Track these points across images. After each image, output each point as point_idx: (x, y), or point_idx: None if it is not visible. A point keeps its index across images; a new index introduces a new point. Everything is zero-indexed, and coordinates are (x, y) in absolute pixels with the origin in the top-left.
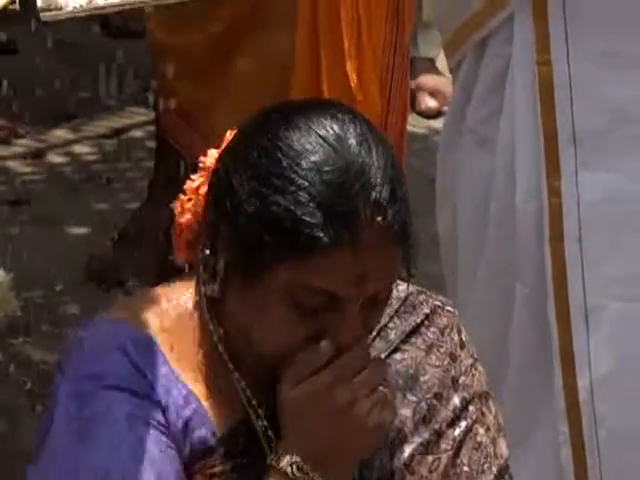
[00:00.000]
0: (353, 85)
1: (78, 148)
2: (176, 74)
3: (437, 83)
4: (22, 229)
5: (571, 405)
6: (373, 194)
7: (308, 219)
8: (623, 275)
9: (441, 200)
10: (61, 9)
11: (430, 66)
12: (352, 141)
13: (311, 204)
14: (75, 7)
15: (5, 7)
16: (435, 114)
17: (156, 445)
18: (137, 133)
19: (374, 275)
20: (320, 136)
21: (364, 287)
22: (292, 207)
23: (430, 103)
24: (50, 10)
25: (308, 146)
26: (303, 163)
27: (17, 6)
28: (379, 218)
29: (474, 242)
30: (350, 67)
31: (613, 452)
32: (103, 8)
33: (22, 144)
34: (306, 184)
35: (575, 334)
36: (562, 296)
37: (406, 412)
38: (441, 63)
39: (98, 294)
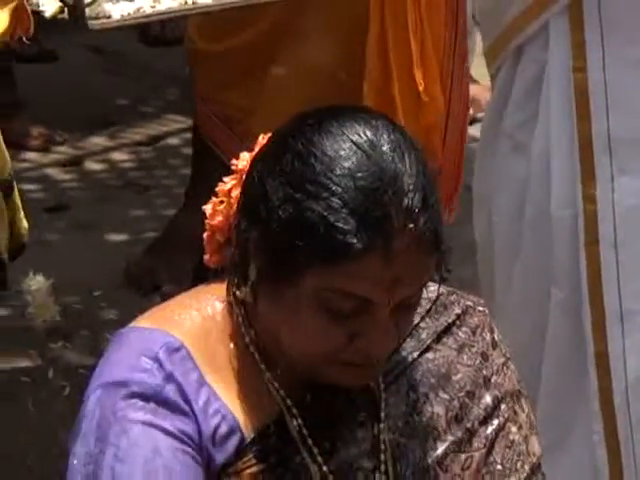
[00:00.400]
0: (421, 89)
1: (116, 155)
2: (215, 80)
3: (472, 91)
4: (60, 235)
5: (606, 407)
6: (405, 201)
7: (341, 225)
8: None
9: (478, 205)
10: (110, 17)
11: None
12: (385, 148)
13: (344, 210)
14: (123, 15)
15: (55, 16)
16: (470, 121)
17: (173, 455)
18: (174, 140)
19: (405, 280)
20: (353, 142)
21: (395, 292)
22: (325, 213)
23: None
24: (98, 19)
25: (342, 152)
26: (337, 169)
27: (66, 15)
28: (411, 225)
29: (510, 247)
30: (417, 71)
31: None
32: (149, 16)
33: (60, 151)
34: (339, 190)
35: (610, 338)
36: (597, 301)
37: (439, 410)
38: (475, 71)
39: (135, 299)
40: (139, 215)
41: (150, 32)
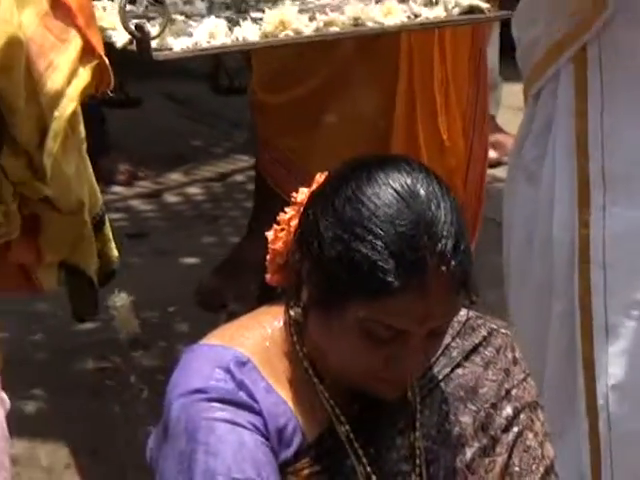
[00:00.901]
0: (444, 137)
1: (190, 189)
2: (274, 127)
3: (498, 137)
4: (141, 259)
5: (590, 406)
6: (439, 246)
7: (382, 265)
8: None
9: (504, 231)
10: (171, 49)
11: (492, 123)
12: (423, 197)
13: (385, 252)
14: (182, 48)
15: (125, 47)
16: (495, 163)
17: (256, 446)
18: (239, 177)
19: (437, 314)
20: (396, 191)
21: (427, 324)
22: (369, 254)
23: (491, 154)
24: (162, 51)
25: (385, 200)
26: (380, 215)
27: (134, 46)
28: (443, 268)
29: (522, 266)
30: (441, 121)
31: (623, 451)
32: (205, 50)
33: (142, 185)
34: (382, 234)
35: (596, 345)
36: (586, 313)
37: (467, 419)
38: (500, 119)
39: (204, 315)
40: (209, 242)
41: (220, 83)
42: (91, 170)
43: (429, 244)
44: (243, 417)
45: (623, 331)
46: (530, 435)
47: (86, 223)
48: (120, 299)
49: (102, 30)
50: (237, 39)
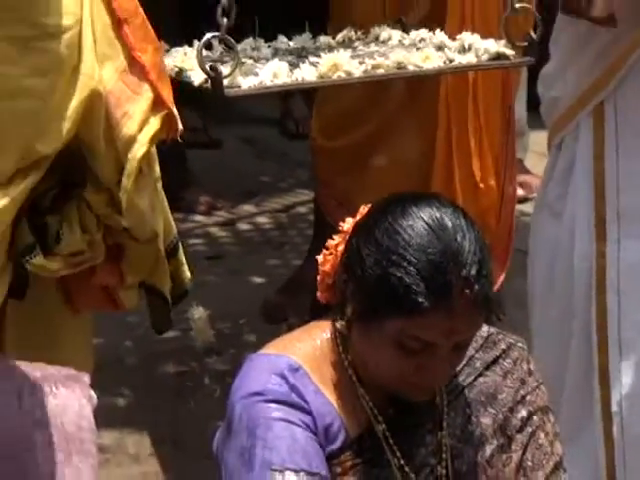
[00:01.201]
0: (478, 179)
1: (260, 219)
2: (330, 168)
3: (525, 178)
4: (217, 278)
5: (605, 412)
6: (464, 272)
7: (415, 288)
8: None
9: (531, 260)
10: (240, 87)
11: (520, 165)
12: (450, 230)
13: (417, 277)
14: (249, 86)
15: (201, 85)
16: (523, 200)
17: (307, 441)
18: (302, 209)
19: (461, 330)
20: (427, 223)
21: (452, 338)
22: (404, 278)
23: (519, 192)
24: (232, 88)
25: (417, 231)
26: (413, 244)
27: (209, 85)
28: (467, 291)
29: (545, 290)
30: (475, 164)
31: (637, 454)
32: (269, 88)
33: (219, 215)
34: (415, 261)
35: (611, 359)
36: (603, 331)
37: (487, 421)
38: (527, 163)
39: (269, 327)
40: (274, 264)
41: (288, 128)
42: (166, 203)
43: (455, 270)
44: (295, 416)
45: (634, 346)
46: (542, 435)
47: (160, 250)
48: (198, 312)
49: (183, 71)
50: (296, 79)
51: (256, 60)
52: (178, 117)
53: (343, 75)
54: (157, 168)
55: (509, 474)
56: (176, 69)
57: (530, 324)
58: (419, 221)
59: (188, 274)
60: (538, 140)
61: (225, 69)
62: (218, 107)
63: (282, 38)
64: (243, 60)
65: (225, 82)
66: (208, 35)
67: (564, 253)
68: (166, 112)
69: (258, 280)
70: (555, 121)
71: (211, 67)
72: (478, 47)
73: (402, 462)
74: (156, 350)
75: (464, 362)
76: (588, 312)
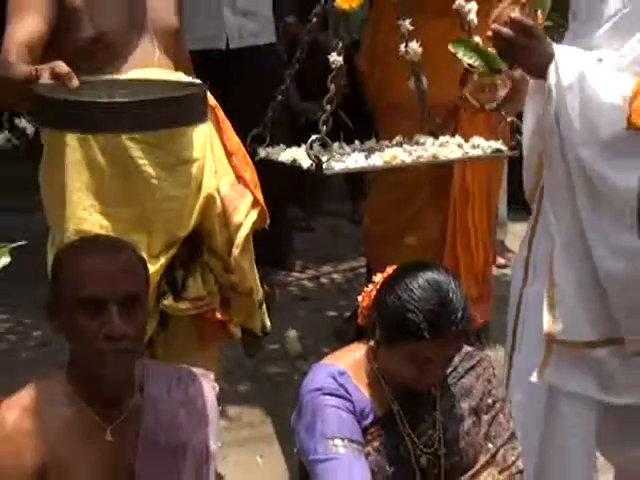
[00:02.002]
0: (473, 251)
1: (334, 275)
2: (376, 243)
3: (506, 253)
4: (305, 312)
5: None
6: (452, 317)
7: (421, 327)
8: None
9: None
10: (334, 169)
11: (502, 245)
12: (445, 289)
13: (423, 320)
14: (341, 168)
15: (309, 169)
16: (503, 266)
17: (349, 420)
18: (362, 270)
19: (449, 351)
20: (429, 283)
21: (444, 356)
22: (414, 319)
23: (501, 260)
24: (329, 169)
25: (423, 289)
26: (421, 297)
27: (314, 167)
28: (454, 328)
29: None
30: (471, 242)
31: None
32: (351, 169)
33: (309, 273)
34: (420, 308)
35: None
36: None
37: (465, 406)
38: (508, 243)
39: (337, 344)
40: (342, 304)
41: (355, 219)
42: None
43: (447, 315)
44: (341, 403)
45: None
46: (501, 416)
47: (254, 302)
48: (292, 333)
49: (296, 160)
50: (369, 164)
51: (341, 155)
52: (267, 214)
53: (399, 162)
54: (251, 245)
55: (479, 441)
56: (291, 159)
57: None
58: (424, 281)
59: (268, 322)
60: (514, 229)
61: (324, 158)
62: (314, 205)
63: (357, 142)
64: (334, 153)
65: (324, 166)
66: (313, 137)
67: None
68: (260, 208)
69: (331, 314)
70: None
71: (315, 156)
72: (483, 145)
73: (409, 432)
74: (264, 357)
75: (452, 369)
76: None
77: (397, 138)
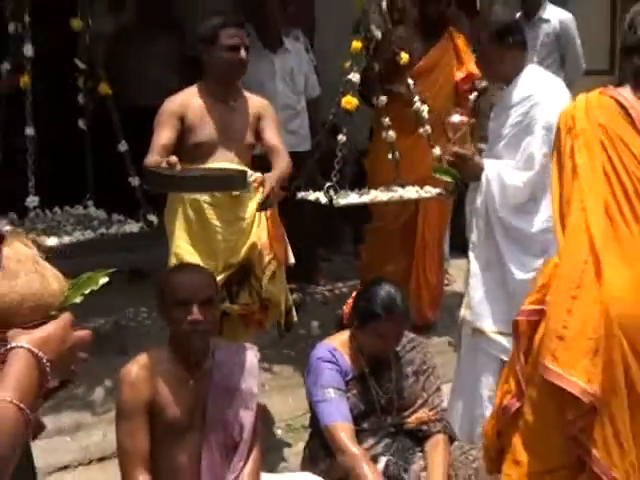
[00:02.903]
0: (429, 276)
1: (343, 289)
2: (368, 271)
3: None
4: (324, 311)
5: None
6: (397, 306)
7: (378, 311)
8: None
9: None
10: (339, 203)
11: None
12: (393, 290)
13: (379, 307)
14: (345, 202)
15: (325, 203)
16: (446, 285)
17: (338, 376)
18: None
19: (398, 328)
20: (386, 291)
21: (395, 331)
22: (374, 308)
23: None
24: (337, 203)
25: (382, 294)
26: (377, 295)
27: (327, 201)
28: (398, 313)
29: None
30: (428, 269)
31: None
32: (355, 203)
33: (328, 287)
34: (378, 301)
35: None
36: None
37: (409, 370)
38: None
39: (336, 330)
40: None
41: (357, 254)
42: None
43: (393, 305)
44: (333, 367)
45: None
46: (432, 377)
47: (281, 310)
48: (314, 323)
49: (318, 198)
50: (361, 201)
51: (349, 195)
52: (285, 258)
53: (378, 199)
54: (284, 276)
55: (418, 391)
56: (315, 197)
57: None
58: (382, 290)
59: (294, 319)
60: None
61: (335, 196)
62: (332, 246)
63: (356, 190)
64: (341, 193)
65: (334, 201)
66: (328, 184)
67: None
68: (274, 256)
69: (340, 312)
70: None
71: (329, 195)
72: (431, 190)
73: (374, 384)
74: (296, 337)
75: (401, 347)
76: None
77: (380, 188)
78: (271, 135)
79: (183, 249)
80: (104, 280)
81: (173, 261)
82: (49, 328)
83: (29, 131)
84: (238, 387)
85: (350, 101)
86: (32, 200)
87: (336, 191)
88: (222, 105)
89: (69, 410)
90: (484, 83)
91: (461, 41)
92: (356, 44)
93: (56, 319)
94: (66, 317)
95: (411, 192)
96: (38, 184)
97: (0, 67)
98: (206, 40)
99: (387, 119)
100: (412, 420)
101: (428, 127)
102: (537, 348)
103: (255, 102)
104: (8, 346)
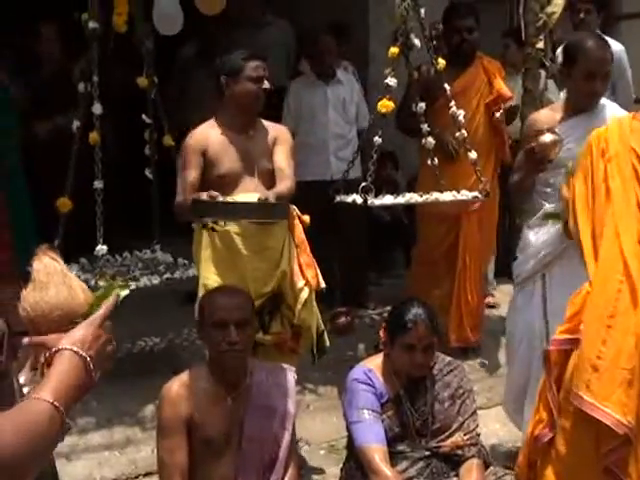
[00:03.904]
0: (469, 297)
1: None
2: (417, 295)
3: (490, 298)
4: (371, 334)
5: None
6: (422, 321)
7: (405, 323)
8: None
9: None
10: (374, 203)
11: (489, 294)
12: (419, 307)
13: (407, 320)
14: (378, 203)
15: (360, 204)
16: (492, 306)
17: (373, 398)
18: None
19: (425, 340)
20: (411, 305)
21: (422, 342)
22: (403, 321)
23: (490, 301)
24: (372, 203)
25: (411, 312)
26: (407, 312)
27: (362, 201)
28: (424, 325)
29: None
30: (469, 290)
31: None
32: (388, 204)
33: (377, 310)
34: (406, 317)
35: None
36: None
37: (446, 393)
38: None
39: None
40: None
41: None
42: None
43: (421, 318)
44: (368, 388)
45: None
46: (467, 401)
47: (312, 335)
48: (361, 346)
49: (355, 200)
50: (396, 202)
51: (384, 197)
52: (317, 283)
53: (413, 201)
54: (315, 303)
55: (453, 415)
56: (350, 199)
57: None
58: (410, 306)
59: (327, 343)
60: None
61: (369, 197)
62: (383, 272)
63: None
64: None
65: (368, 202)
66: (363, 184)
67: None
68: (306, 281)
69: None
70: (522, 276)
71: (364, 195)
72: (466, 193)
73: (410, 406)
74: (339, 358)
75: (438, 371)
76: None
77: (419, 193)
78: (281, 158)
79: (211, 280)
80: (125, 292)
81: (202, 292)
82: (84, 328)
83: (98, 184)
84: (275, 407)
85: (386, 104)
86: (100, 249)
87: (371, 192)
88: (241, 136)
89: (121, 426)
90: (513, 103)
91: (491, 65)
92: (393, 50)
93: (86, 320)
94: (97, 316)
95: (447, 195)
96: (108, 230)
97: (71, 125)
98: (232, 72)
99: (426, 125)
100: (447, 444)
101: (474, 154)
102: (570, 378)
103: (272, 129)
104: (53, 350)
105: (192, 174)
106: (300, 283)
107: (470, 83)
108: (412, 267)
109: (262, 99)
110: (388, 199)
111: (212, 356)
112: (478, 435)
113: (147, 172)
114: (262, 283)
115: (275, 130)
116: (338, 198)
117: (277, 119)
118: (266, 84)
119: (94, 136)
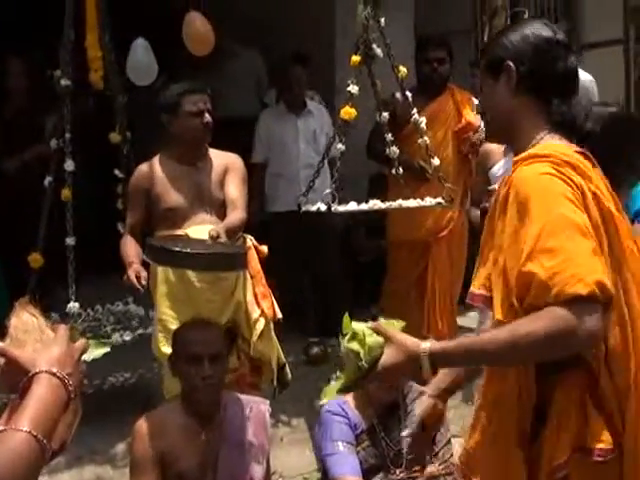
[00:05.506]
0: (439, 326)
1: None
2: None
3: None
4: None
5: None
6: None
7: None
8: None
9: None
10: (338, 210)
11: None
12: None
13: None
14: (342, 210)
15: (324, 211)
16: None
17: (347, 430)
18: None
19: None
20: None
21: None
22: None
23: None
24: (335, 210)
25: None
26: None
27: (326, 209)
28: None
29: None
30: (437, 317)
31: None
32: (348, 211)
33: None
34: None
35: None
36: None
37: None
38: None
39: None
40: None
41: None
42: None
43: None
44: (342, 420)
45: None
46: (442, 430)
47: (272, 368)
48: (334, 377)
49: (319, 207)
50: (359, 209)
51: (348, 203)
52: (274, 314)
53: (376, 207)
54: (273, 335)
55: (428, 442)
56: (314, 208)
57: None
58: None
59: (289, 377)
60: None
61: (334, 205)
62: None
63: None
64: (342, 204)
65: (332, 208)
66: (327, 190)
67: None
68: (262, 312)
69: None
70: None
71: (327, 202)
72: (430, 200)
73: (384, 437)
74: (315, 389)
75: (411, 401)
76: None
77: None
78: (232, 188)
79: (167, 315)
80: (105, 350)
81: (159, 329)
82: (56, 347)
83: (69, 241)
84: (249, 441)
85: (348, 112)
86: (73, 306)
87: (335, 198)
88: (190, 168)
89: (91, 464)
90: (481, 135)
91: (461, 95)
92: (355, 58)
93: (56, 336)
94: (63, 333)
95: (411, 202)
96: (78, 280)
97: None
98: (169, 108)
99: (390, 135)
100: (422, 475)
101: (436, 160)
102: None
103: (222, 158)
104: (30, 374)
105: (134, 216)
106: (255, 314)
107: (439, 111)
108: (382, 301)
109: (207, 131)
110: (352, 205)
111: (186, 390)
112: (453, 465)
113: (120, 226)
114: (218, 313)
115: (225, 159)
116: (304, 208)
117: (246, 149)
118: (207, 117)
119: (66, 193)
